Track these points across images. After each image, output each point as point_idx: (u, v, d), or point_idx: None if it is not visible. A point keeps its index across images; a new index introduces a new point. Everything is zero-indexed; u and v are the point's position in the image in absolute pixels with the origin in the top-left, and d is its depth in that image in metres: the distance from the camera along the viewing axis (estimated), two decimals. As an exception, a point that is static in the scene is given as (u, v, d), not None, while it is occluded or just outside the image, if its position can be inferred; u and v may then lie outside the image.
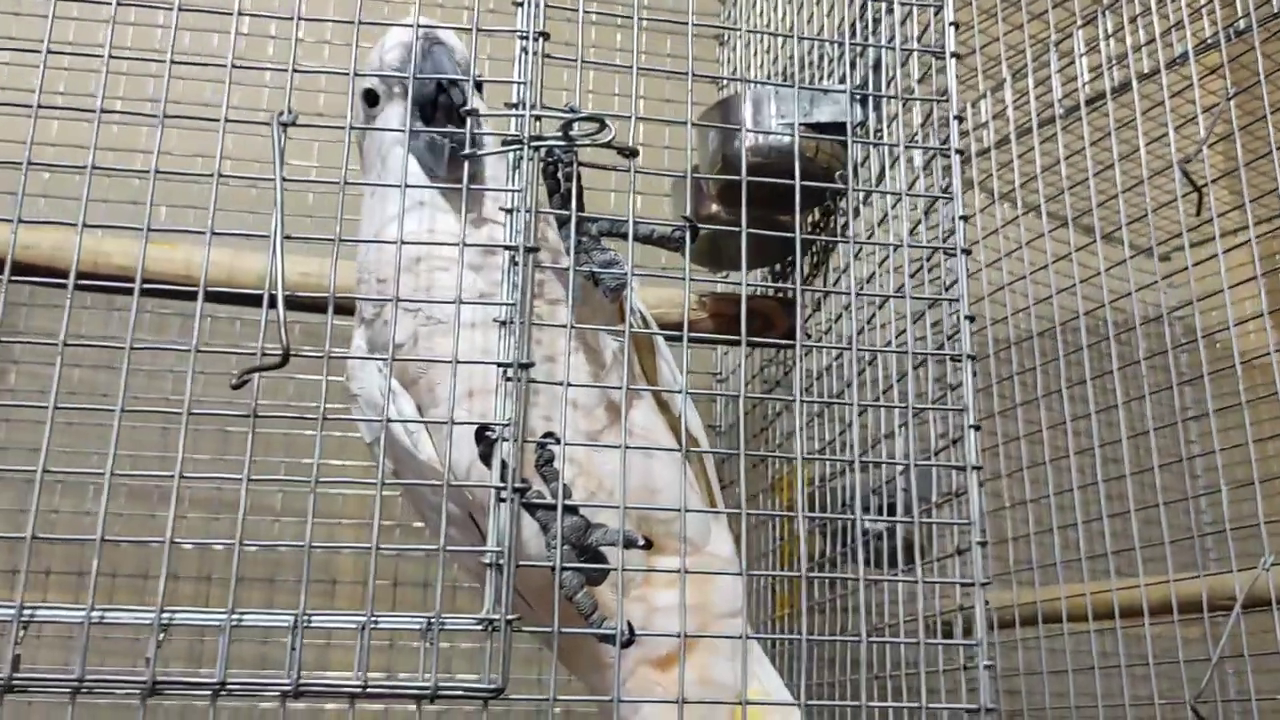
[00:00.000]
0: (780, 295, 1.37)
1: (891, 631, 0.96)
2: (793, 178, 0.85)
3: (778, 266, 1.46)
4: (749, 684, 0.90)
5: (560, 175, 0.87)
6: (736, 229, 0.82)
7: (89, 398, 1.49)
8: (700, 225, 0.86)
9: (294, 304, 1.28)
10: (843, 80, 1.19)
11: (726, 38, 1.70)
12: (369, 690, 0.67)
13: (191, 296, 0.74)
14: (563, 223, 0.89)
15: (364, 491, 1.63)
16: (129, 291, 0.79)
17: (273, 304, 0.71)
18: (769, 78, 1.43)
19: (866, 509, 1.10)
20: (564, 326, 0.79)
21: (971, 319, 0.84)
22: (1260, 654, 1.10)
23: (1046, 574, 1.38)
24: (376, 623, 0.70)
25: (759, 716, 0.89)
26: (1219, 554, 1.21)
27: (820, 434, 1.20)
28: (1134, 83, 1.33)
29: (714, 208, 1.28)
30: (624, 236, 0.85)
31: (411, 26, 0.85)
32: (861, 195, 1.14)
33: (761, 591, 1.42)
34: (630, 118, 0.84)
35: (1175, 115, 1.26)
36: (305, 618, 0.69)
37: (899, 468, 0.98)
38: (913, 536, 1.18)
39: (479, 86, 0.91)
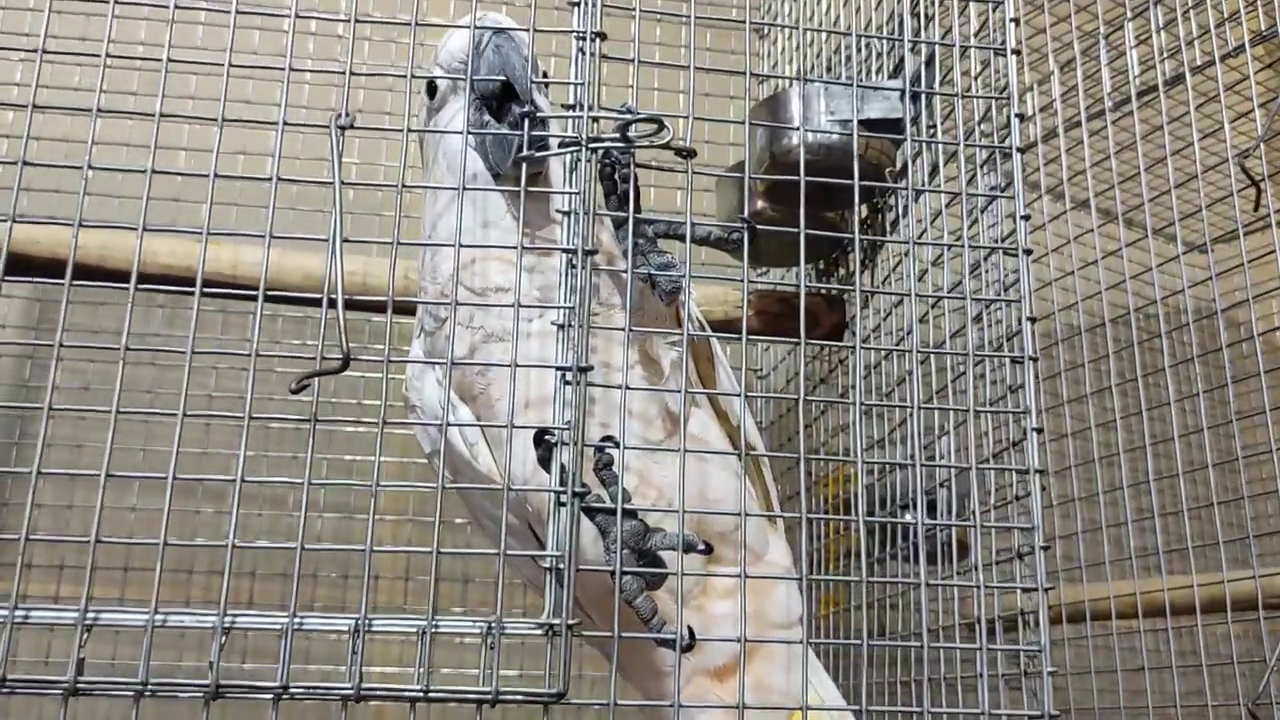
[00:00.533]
0: (825, 292, 1.36)
1: (945, 634, 0.95)
2: (842, 174, 0.84)
3: (820, 264, 1.45)
4: (806, 690, 0.90)
5: (617, 176, 0.87)
6: (781, 228, 0.82)
7: (132, 394, 1.50)
8: (759, 226, 0.85)
9: (351, 305, 1.30)
10: (893, 74, 1.17)
11: (767, 31, 1.69)
12: (430, 696, 0.67)
13: (239, 296, 0.74)
14: (619, 224, 0.88)
15: (400, 488, 1.64)
16: (178, 291, 0.80)
17: (332, 306, 0.71)
18: (811, 71, 1.42)
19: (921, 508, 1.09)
20: (621, 330, 0.78)
21: (1034, 320, 0.83)
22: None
23: (1095, 571, 1.37)
24: (437, 627, 0.70)
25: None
26: (1272, 554, 1.19)
27: (870, 432, 1.19)
28: (1187, 75, 1.31)
29: (760, 205, 1.27)
30: (681, 238, 0.85)
31: (474, 26, 0.85)
32: (912, 193, 1.12)
33: (806, 589, 1.41)
34: (688, 117, 0.84)
35: (1230, 111, 1.23)
36: (366, 622, 0.69)
37: (952, 476, 0.96)
38: (963, 538, 1.17)
39: (544, 85, 0.91)
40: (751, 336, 0.85)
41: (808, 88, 1.19)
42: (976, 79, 0.94)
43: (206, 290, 0.75)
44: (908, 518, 1.17)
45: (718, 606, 0.88)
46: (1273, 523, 1.14)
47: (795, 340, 0.79)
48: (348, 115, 0.76)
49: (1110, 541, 1.34)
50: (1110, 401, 1.34)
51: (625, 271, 0.80)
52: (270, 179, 0.75)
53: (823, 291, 1.36)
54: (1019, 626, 0.81)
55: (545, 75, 0.89)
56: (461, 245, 0.75)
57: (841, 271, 1.39)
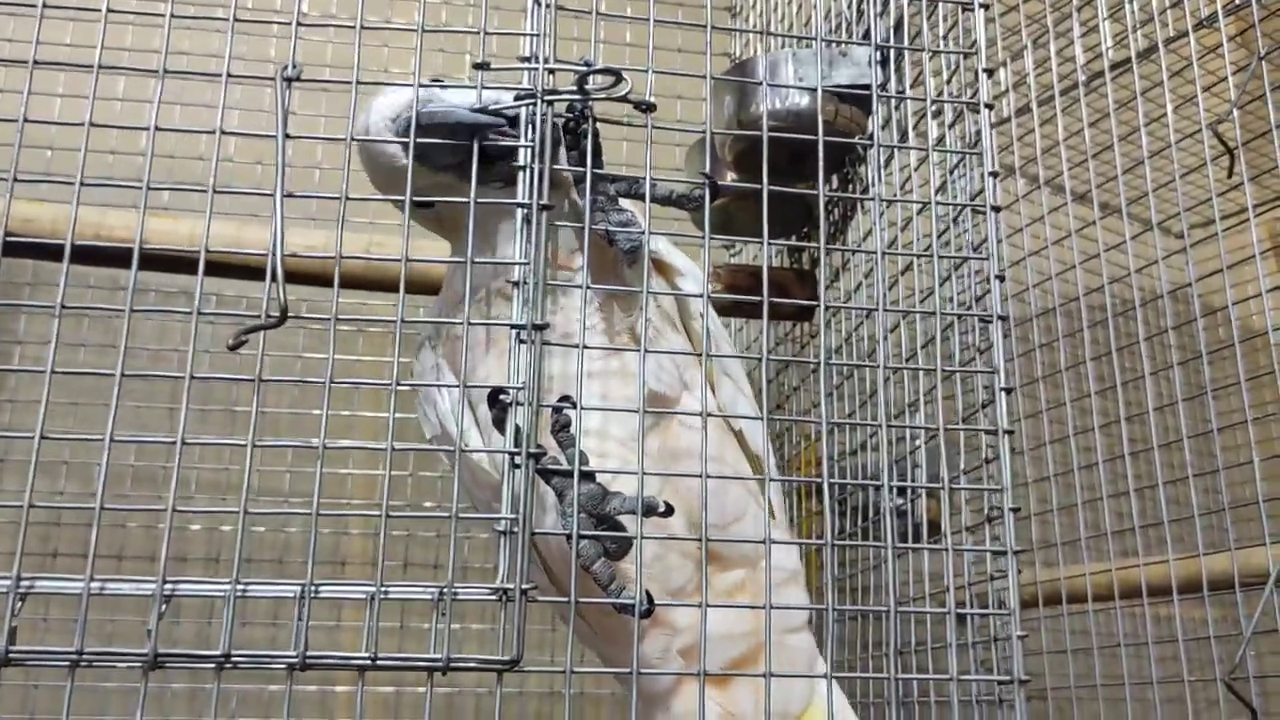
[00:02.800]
0: (796, 266, 1.34)
1: (918, 606, 0.93)
2: (809, 143, 0.82)
3: (794, 239, 1.43)
4: (813, 699, 0.86)
5: (578, 132, 0.84)
6: (752, 196, 0.80)
7: (93, 380, 1.48)
8: (721, 184, 0.83)
9: (309, 278, 1.27)
10: (863, 38, 1.15)
11: (739, 7, 1.67)
12: (379, 663, 0.65)
13: (195, 271, 0.71)
14: (579, 181, 0.86)
15: (372, 472, 1.61)
16: (130, 264, 0.77)
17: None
18: (782, 46, 1.40)
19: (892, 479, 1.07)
20: (579, 287, 0.76)
21: (1003, 278, 0.81)
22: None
23: (1071, 552, 1.36)
24: (386, 593, 0.68)
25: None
26: (1249, 531, 1.18)
27: (841, 409, 1.17)
28: (1160, 47, 1.30)
29: (730, 176, 1.25)
30: (642, 197, 0.82)
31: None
32: (884, 159, 1.10)
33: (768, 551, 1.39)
34: (646, 71, 0.81)
35: (1201, 79, 1.22)
36: (312, 588, 0.66)
37: (920, 446, 0.95)
38: (934, 515, 1.15)
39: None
40: (715, 294, 0.82)
41: (776, 54, 1.17)
42: (945, 37, 0.92)
43: (148, 252, 0.72)
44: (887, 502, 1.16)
45: (714, 615, 0.83)
46: (1248, 492, 1.12)
47: (758, 300, 0.76)
48: (295, 67, 0.73)
49: (1088, 525, 1.33)
50: (1085, 378, 1.32)
51: (582, 227, 0.78)
52: (214, 131, 0.72)
53: (793, 265, 1.34)
54: (988, 591, 0.79)
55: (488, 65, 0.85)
56: (413, 199, 0.72)
57: (815, 245, 1.37)
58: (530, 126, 0.75)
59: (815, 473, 1.32)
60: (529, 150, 0.74)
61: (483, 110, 0.77)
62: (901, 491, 1.11)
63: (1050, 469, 1.40)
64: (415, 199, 0.77)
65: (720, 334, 1.01)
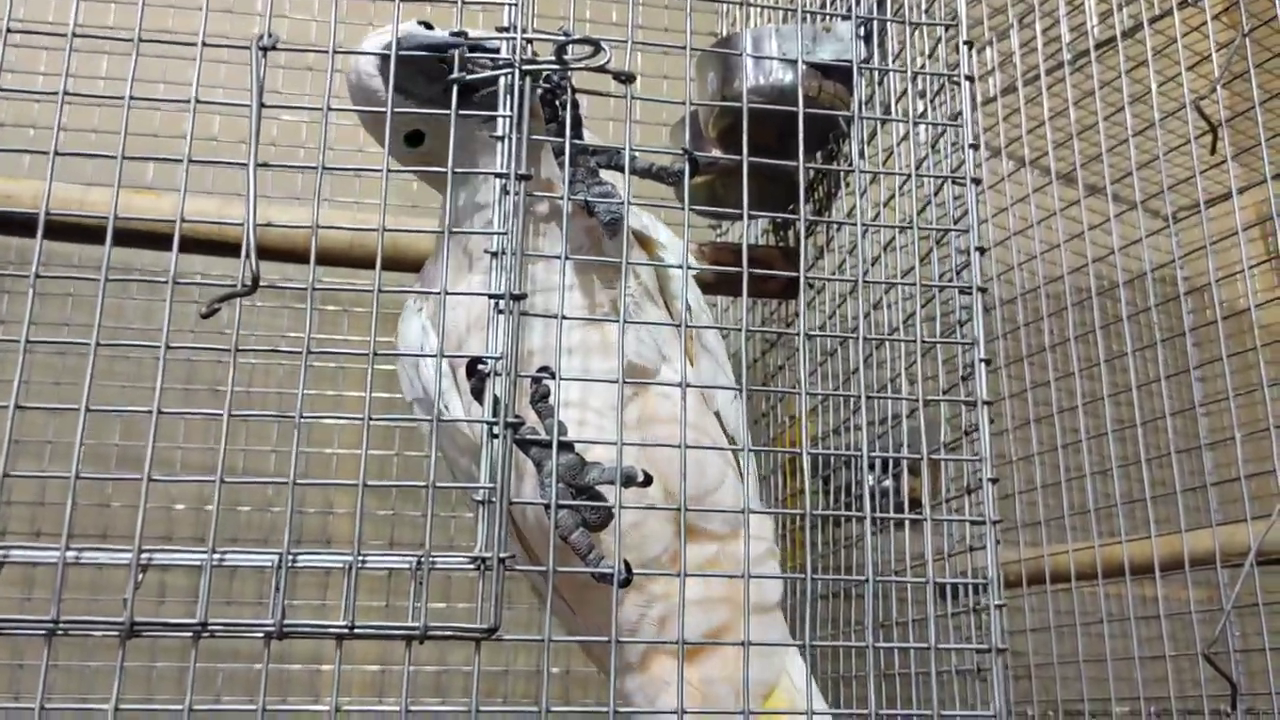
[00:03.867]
0: (782, 244, 1.34)
1: (897, 585, 0.94)
2: (793, 119, 0.82)
3: (782, 216, 1.43)
4: (779, 681, 0.87)
5: (558, 104, 0.84)
6: (737, 173, 0.80)
7: (78, 361, 1.48)
8: (700, 156, 0.83)
9: (295, 255, 1.26)
10: (847, 14, 1.15)
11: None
12: (356, 632, 0.65)
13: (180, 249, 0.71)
14: (559, 153, 0.85)
15: (359, 452, 1.61)
16: (116, 241, 0.76)
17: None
18: (768, 19, 1.40)
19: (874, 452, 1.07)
20: (557, 258, 0.76)
21: (983, 250, 0.81)
22: (1272, 602, 1.08)
23: (1058, 531, 1.36)
24: (365, 562, 0.68)
25: (785, 702, 0.87)
26: (1237, 512, 1.18)
27: (824, 388, 1.18)
28: (1145, 25, 1.30)
29: (715, 152, 1.25)
30: (621, 169, 0.82)
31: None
32: (866, 135, 1.10)
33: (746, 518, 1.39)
34: (626, 43, 0.81)
35: (1188, 55, 1.22)
36: (290, 557, 0.66)
37: (901, 420, 0.95)
38: (919, 494, 1.15)
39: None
40: (693, 266, 0.82)
41: (760, 30, 1.16)
42: (926, 11, 0.92)
43: (122, 226, 0.71)
44: (869, 480, 1.16)
45: (689, 583, 0.85)
46: (1235, 471, 1.12)
47: (738, 271, 0.76)
48: (271, 36, 0.73)
49: (1073, 505, 1.33)
50: (1071, 357, 1.32)
51: (561, 198, 0.78)
52: (189, 100, 0.72)
53: (778, 243, 1.34)
54: (969, 565, 0.79)
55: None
56: (389, 171, 0.72)
57: (796, 218, 1.37)
58: (509, 96, 0.75)
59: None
60: (507, 120, 0.74)
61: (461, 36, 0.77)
62: (886, 470, 1.11)
63: (1035, 448, 1.40)
64: (406, 134, 0.75)
65: (701, 310, 1.01)
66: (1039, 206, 1.42)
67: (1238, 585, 1.03)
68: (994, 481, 0.74)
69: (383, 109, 0.75)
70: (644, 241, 0.94)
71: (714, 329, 1.01)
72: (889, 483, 1.19)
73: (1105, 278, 1.37)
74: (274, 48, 0.74)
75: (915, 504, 1.21)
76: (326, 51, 0.75)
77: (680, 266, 0.78)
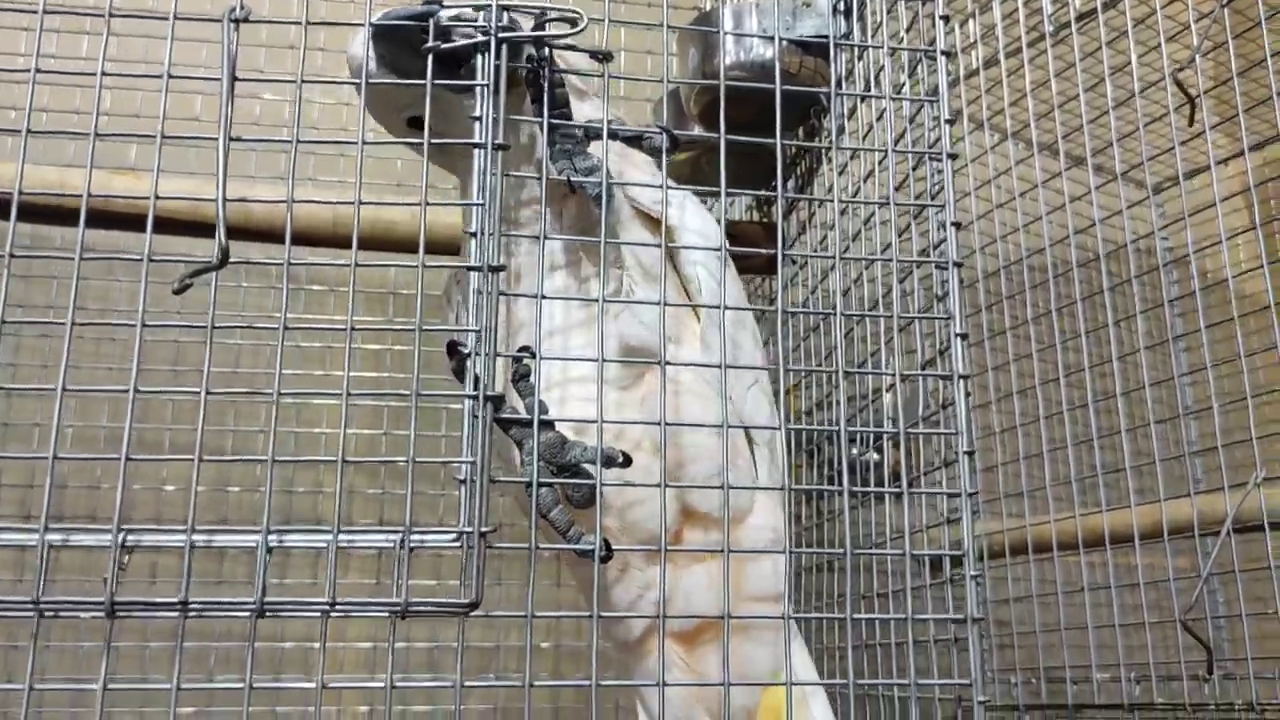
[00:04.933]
0: (765, 221, 1.34)
1: (877, 558, 0.95)
2: (773, 96, 0.82)
3: (762, 193, 1.43)
4: (780, 673, 0.83)
5: (542, 82, 0.83)
6: (717, 146, 0.80)
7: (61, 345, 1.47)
8: (678, 134, 0.83)
9: (279, 237, 1.26)
10: (825, -8, 1.15)
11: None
12: (337, 608, 0.65)
13: (160, 230, 0.71)
14: (551, 130, 0.85)
15: (349, 431, 1.61)
16: (97, 223, 0.76)
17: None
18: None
19: (852, 426, 1.08)
20: (535, 238, 0.76)
21: (958, 225, 0.81)
22: (1254, 568, 1.09)
23: (1040, 503, 1.37)
24: (346, 541, 0.68)
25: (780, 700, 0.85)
26: (1219, 481, 1.19)
27: (807, 364, 1.18)
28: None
29: (696, 129, 1.25)
30: (600, 139, 0.82)
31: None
32: (846, 112, 1.10)
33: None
34: (603, 21, 0.81)
35: (1164, 27, 1.22)
36: (274, 538, 0.67)
37: (881, 395, 0.95)
38: (899, 467, 1.16)
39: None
40: (672, 245, 0.82)
41: (739, 5, 1.16)
42: (905, -14, 0.92)
43: (95, 207, 0.71)
44: (852, 453, 1.17)
45: (689, 572, 0.84)
46: (1212, 441, 1.13)
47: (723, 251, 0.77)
48: (243, 8, 0.72)
49: (1056, 476, 1.34)
50: (1052, 329, 1.33)
51: (539, 178, 0.78)
52: (161, 76, 0.72)
53: (761, 220, 1.34)
54: (944, 538, 0.80)
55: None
56: (364, 143, 0.72)
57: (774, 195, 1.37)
58: (486, 66, 0.74)
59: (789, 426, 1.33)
60: (484, 91, 0.74)
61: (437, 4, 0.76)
62: (869, 444, 1.12)
63: (1019, 419, 1.41)
64: (408, 119, 0.75)
65: (713, 288, 0.97)
66: (1021, 179, 1.42)
67: (1213, 553, 1.05)
68: (970, 454, 0.75)
69: (374, 85, 0.74)
70: (652, 220, 0.92)
71: (734, 309, 0.97)
72: (873, 456, 1.20)
73: (1089, 249, 1.37)
74: (246, 20, 0.73)
75: (899, 477, 1.22)
76: (300, 23, 0.74)
77: (659, 245, 0.78)
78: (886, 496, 0.80)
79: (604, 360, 0.73)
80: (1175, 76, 1.08)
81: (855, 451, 1.17)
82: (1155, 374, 1.26)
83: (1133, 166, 1.25)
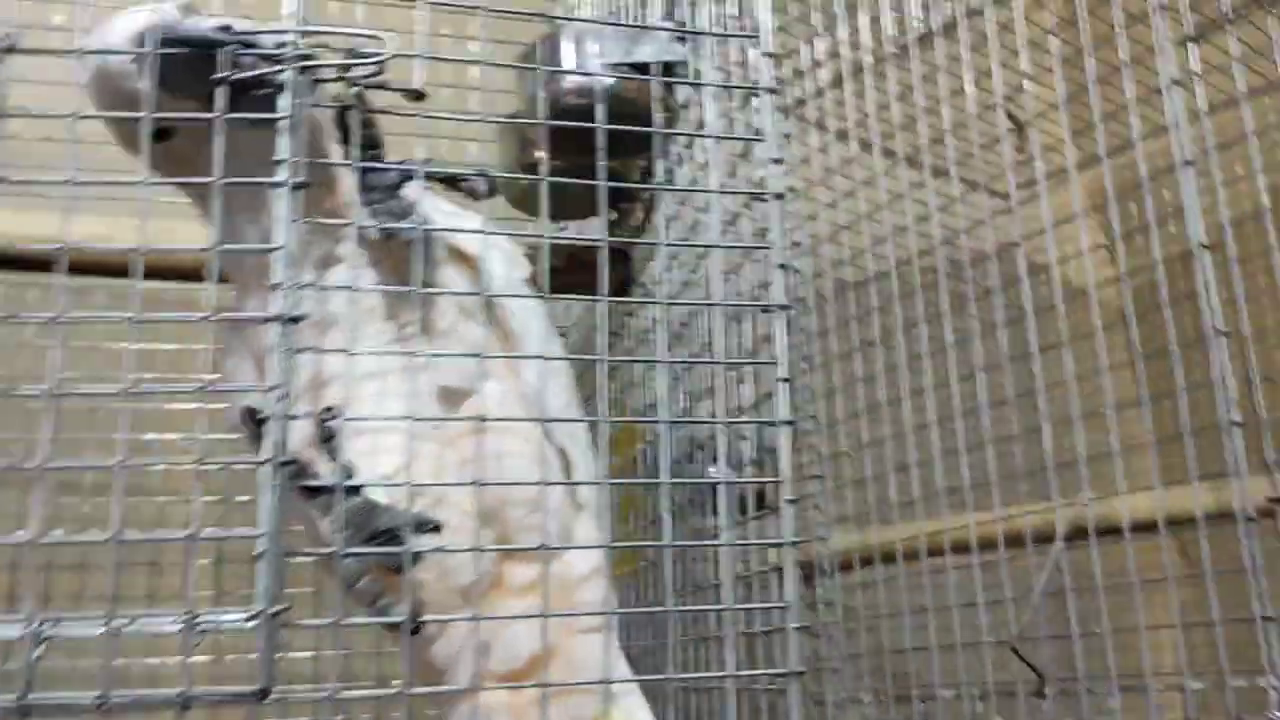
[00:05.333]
0: (614, 245, 1.32)
1: (713, 593, 0.93)
2: (615, 120, 0.81)
3: (615, 215, 1.41)
4: (610, 709, 0.81)
5: (349, 121, 0.79)
6: (563, 172, 0.78)
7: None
8: (498, 175, 0.80)
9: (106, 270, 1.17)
10: (665, 18, 1.13)
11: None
12: (114, 701, 0.60)
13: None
14: (364, 174, 0.81)
15: (189, 498, 1.50)
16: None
17: None
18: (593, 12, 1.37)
19: (692, 461, 1.07)
20: (346, 288, 0.72)
21: (785, 268, 0.80)
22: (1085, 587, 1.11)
23: (905, 514, 1.37)
24: (130, 622, 0.63)
25: None
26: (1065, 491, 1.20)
27: (645, 396, 1.17)
28: (969, 17, 1.31)
29: (538, 155, 1.21)
30: (430, 180, 0.79)
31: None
32: (684, 141, 1.09)
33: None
34: (418, 55, 0.77)
35: (1005, 50, 1.24)
36: (41, 625, 0.61)
37: (714, 436, 0.94)
38: (761, 491, 1.15)
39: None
40: (491, 295, 0.79)
41: (580, 29, 1.13)
42: (736, 18, 0.91)
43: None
44: (713, 470, 1.15)
45: (511, 606, 0.81)
46: (1067, 455, 1.15)
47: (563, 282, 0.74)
48: (7, 37, 0.66)
49: (924, 486, 1.34)
50: (921, 339, 1.33)
51: (353, 224, 0.74)
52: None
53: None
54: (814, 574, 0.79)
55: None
56: (148, 182, 0.66)
57: (632, 223, 1.35)
58: (287, 95, 0.69)
59: (635, 450, 1.32)
60: (286, 122, 0.69)
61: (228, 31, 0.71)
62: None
63: (887, 430, 1.42)
64: (158, 122, 0.68)
65: (529, 317, 0.96)
66: (866, 183, 1.43)
67: (1045, 572, 1.07)
68: (792, 503, 0.74)
69: (136, 112, 0.68)
70: (460, 255, 0.89)
71: (540, 335, 0.96)
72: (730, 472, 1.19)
73: (932, 257, 1.38)
74: (13, 50, 0.67)
75: (762, 496, 1.21)
76: (76, 52, 0.69)
77: (478, 294, 0.74)
78: (706, 545, 0.79)
79: (415, 420, 0.70)
80: (1006, 106, 1.10)
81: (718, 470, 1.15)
82: (1019, 381, 1.26)
83: (974, 189, 1.27)
